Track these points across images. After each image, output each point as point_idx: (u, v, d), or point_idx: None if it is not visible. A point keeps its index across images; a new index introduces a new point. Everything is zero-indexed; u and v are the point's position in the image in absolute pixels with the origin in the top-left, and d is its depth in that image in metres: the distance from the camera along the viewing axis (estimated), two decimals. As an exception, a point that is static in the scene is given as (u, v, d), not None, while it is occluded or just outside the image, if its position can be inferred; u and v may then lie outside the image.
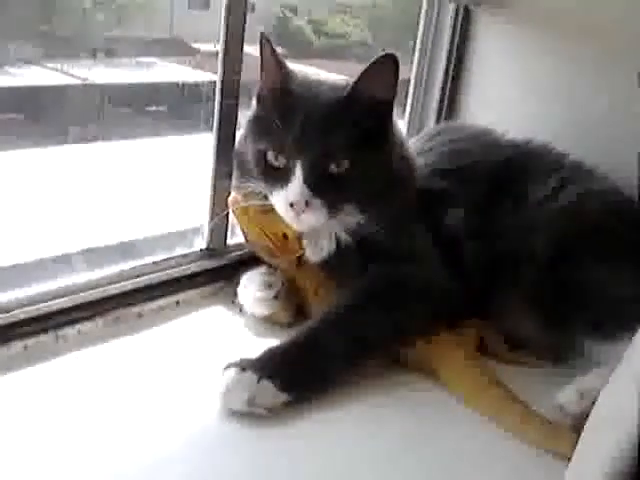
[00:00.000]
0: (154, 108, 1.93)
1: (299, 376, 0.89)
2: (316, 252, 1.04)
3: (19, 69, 1.62)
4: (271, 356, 0.90)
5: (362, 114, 0.97)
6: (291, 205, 0.95)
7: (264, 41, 0.98)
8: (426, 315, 0.99)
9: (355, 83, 0.97)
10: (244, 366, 0.88)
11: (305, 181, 0.95)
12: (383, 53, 0.95)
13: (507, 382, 0.96)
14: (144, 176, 1.57)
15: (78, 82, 1.70)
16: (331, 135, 0.96)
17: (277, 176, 0.98)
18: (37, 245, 1.19)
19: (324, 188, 0.96)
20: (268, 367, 0.88)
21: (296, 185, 0.95)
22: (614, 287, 0.99)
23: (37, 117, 1.63)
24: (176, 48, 1.93)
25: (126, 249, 1.20)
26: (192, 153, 1.35)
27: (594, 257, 1.01)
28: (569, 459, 0.72)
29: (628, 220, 1.07)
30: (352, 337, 0.94)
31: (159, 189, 1.51)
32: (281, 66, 1.00)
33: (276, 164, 0.98)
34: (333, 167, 0.96)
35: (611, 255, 1.02)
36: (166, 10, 1.93)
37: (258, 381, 0.86)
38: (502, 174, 1.12)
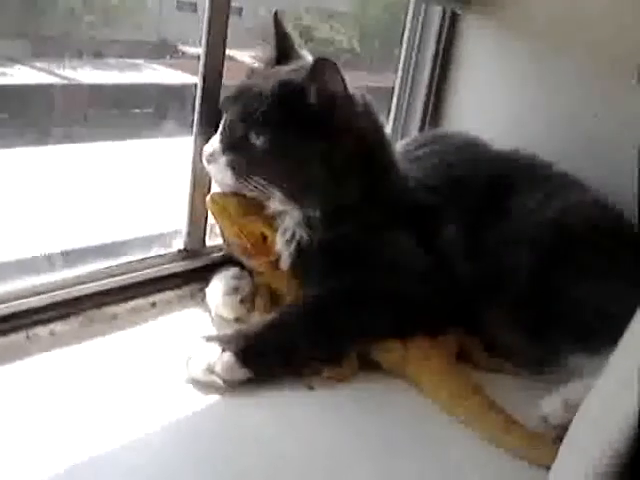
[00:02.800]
0: (140, 110, 1.91)
1: (262, 356, 0.93)
2: (285, 256, 1.04)
3: (5, 68, 1.61)
4: (239, 334, 0.95)
5: (301, 107, 0.98)
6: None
7: (274, 18, 1.07)
8: (394, 321, 0.99)
9: (302, 81, 0.98)
10: (211, 338, 0.94)
11: (220, 136, 1.02)
12: (320, 57, 0.96)
13: (486, 390, 0.95)
14: (128, 178, 1.56)
15: (64, 82, 1.69)
16: (258, 106, 0.98)
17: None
18: (13, 245, 1.17)
19: (234, 149, 1.01)
20: (233, 342, 0.92)
21: (214, 137, 1.03)
22: (597, 300, 0.98)
23: (21, 116, 1.61)
24: (163, 50, 1.91)
25: (105, 251, 1.19)
26: (177, 156, 1.35)
27: (578, 270, 1.01)
28: (548, 468, 0.72)
29: (612, 232, 1.06)
30: (317, 328, 0.97)
31: (142, 191, 1.50)
32: (279, 42, 1.07)
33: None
34: (253, 137, 0.99)
35: (595, 268, 1.01)
36: (154, 12, 1.92)
37: (221, 353, 0.90)
38: (489, 188, 1.12)
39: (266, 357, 0.93)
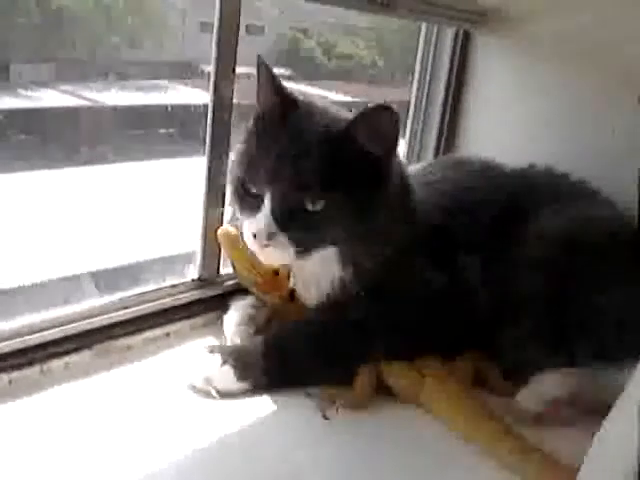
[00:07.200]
0: (165, 130, 1.93)
1: (261, 370, 0.95)
2: (307, 297, 1.04)
3: (32, 91, 1.63)
4: (241, 348, 0.98)
5: (351, 156, 0.92)
6: (255, 236, 0.91)
7: (260, 64, 0.94)
8: (407, 343, 0.99)
9: (349, 126, 0.92)
10: (214, 350, 0.96)
11: (272, 213, 0.91)
12: (380, 104, 0.89)
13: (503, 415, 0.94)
14: (152, 198, 1.57)
15: (90, 104, 1.71)
16: (308, 170, 0.90)
17: (251, 204, 0.94)
18: (41, 267, 1.19)
19: (293, 224, 0.91)
20: (234, 356, 0.95)
21: (262, 215, 0.91)
22: (615, 313, 0.98)
23: (49, 139, 1.64)
24: (187, 71, 1.93)
25: (125, 272, 1.20)
26: (200, 175, 1.36)
27: (594, 284, 1.00)
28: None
29: (628, 243, 1.05)
30: (318, 348, 0.97)
31: (167, 212, 1.51)
32: (277, 91, 0.96)
33: (252, 191, 0.94)
34: (309, 204, 0.91)
35: (612, 281, 1.00)
36: (178, 34, 1.94)
37: (221, 365, 0.94)
38: (504, 210, 1.10)
39: (264, 374, 0.95)
